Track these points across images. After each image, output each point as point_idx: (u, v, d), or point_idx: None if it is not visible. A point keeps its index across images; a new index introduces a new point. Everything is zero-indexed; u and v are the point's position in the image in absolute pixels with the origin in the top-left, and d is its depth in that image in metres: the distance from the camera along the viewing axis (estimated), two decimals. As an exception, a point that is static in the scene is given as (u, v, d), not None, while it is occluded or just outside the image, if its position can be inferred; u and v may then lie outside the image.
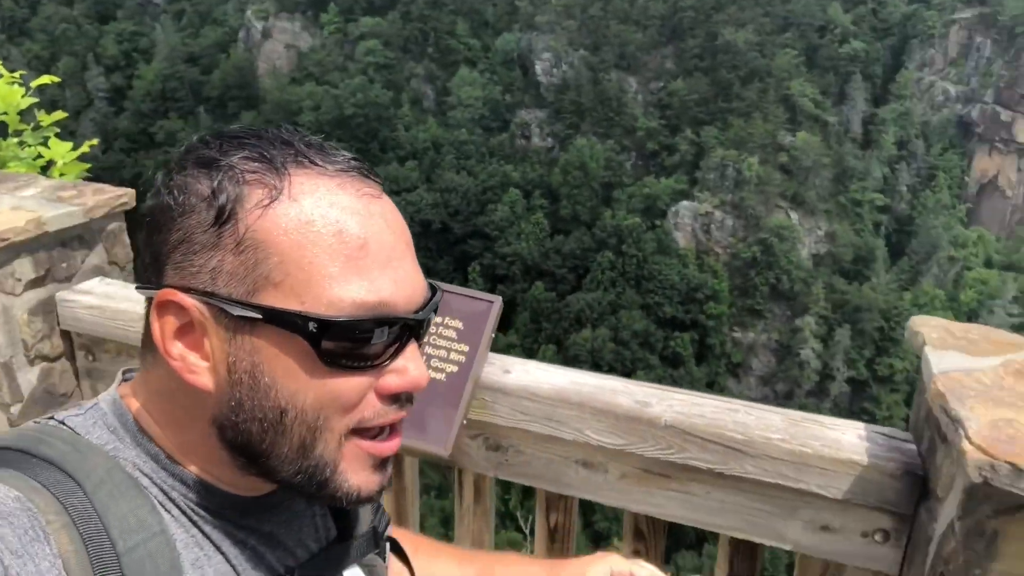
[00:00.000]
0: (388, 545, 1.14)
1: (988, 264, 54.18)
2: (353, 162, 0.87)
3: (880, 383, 51.36)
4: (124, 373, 0.96)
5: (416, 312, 0.85)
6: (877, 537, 1.68)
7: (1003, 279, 51.08)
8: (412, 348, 0.85)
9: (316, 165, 0.83)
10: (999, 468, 1.32)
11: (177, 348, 0.82)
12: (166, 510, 0.85)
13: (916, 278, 54.73)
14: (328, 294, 0.79)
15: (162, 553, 0.80)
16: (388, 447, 0.88)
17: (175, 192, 0.81)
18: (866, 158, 59.10)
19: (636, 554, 2.06)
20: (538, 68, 64.34)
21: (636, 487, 1.86)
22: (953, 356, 1.62)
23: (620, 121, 60.62)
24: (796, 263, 54.48)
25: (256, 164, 0.81)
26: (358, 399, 0.83)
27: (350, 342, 0.80)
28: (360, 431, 0.85)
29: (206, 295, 0.80)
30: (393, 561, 1.17)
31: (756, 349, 53.50)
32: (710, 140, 57.44)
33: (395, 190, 54.72)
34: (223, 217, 0.79)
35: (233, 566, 0.88)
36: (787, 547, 1.77)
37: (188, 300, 0.80)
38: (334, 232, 0.79)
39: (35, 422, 0.88)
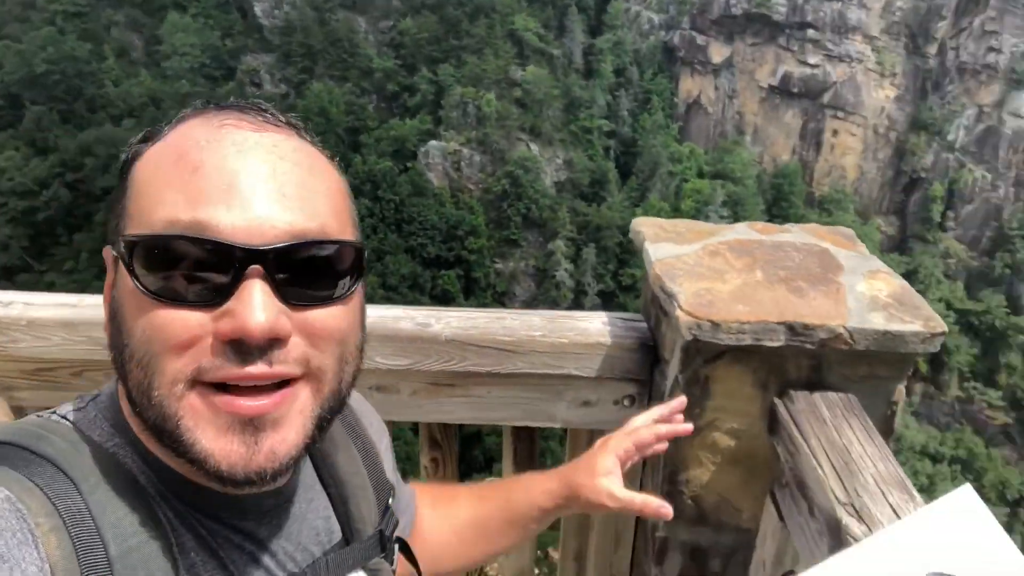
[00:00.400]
0: (397, 546, 1.11)
1: (700, 175, 61.18)
2: (250, 105, 0.85)
3: (625, 291, 56.61)
4: None
5: (260, 245, 0.75)
6: (625, 402, 2.04)
7: (713, 187, 58.06)
8: (252, 288, 0.75)
9: (205, 112, 0.82)
10: (703, 326, 1.70)
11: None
12: (164, 510, 0.82)
13: (644, 194, 60.40)
14: (151, 217, 0.76)
15: (156, 559, 0.78)
16: (243, 405, 0.76)
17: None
18: (590, 87, 63.36)
19: (434, 462, 2.30)
20: (257, 9, 60.37)
21: (426, 400, 2.06)
22: (665, 246, 2.00)
23: (355, 63, 59.17)
24: (542, 192, 57.62)
25: (166, 123, 0.84)
26: (187, 339, 0.75)
27: (161, 266, 0.74)
28: (213, 385, 0.76)
29: (112, 241, 0.82)
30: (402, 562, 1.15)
31: (517, 276, 56.30)
32: (447, 78, 58.11)
33: (113, 153, 49.23)
34: (125, 168, 0.83)
35: (230, 572, 0.86)
36: (558, 425, 2.09)
37: (107, 251, 0.84)
38: (174, 160, 0.77)
39: (38, 416, 0.86)
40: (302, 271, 0.78)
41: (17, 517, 0.71)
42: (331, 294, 0.82)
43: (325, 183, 0.84)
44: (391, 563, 1.08)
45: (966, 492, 1.13)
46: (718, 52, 61.41)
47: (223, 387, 0.75)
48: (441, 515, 1.37)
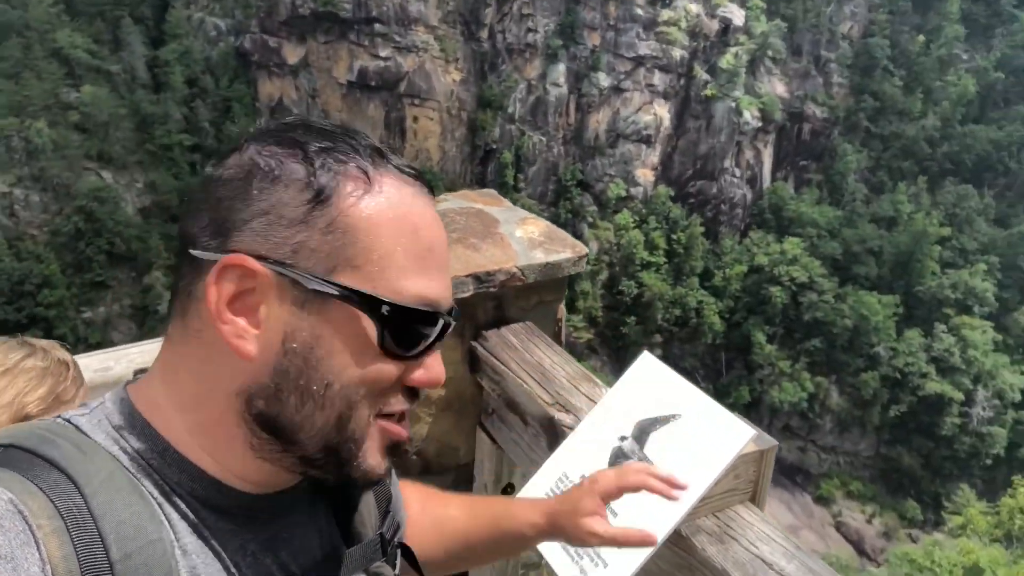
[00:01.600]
0: (400, 551, 1.12)
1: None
2: (417, 174, 0.96)
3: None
4: (136, 374, 0.97)
5: (452, 315, 0.94)
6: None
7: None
8: (438, 350, 0.94)
9: (394, 169, 0.92)
10: (404, 292, 1.91)
11: (228, 313, 0.84)
12: (168, 512, 0.84)
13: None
14: (396, 284, 0.87)
15: (158, 562, 0.80)
16: (403, 431, 0.95)
17: (265, 166, 0.86)
18: (162, 101, 58.60)
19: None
20: None
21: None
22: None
23: None
24: (126, 222, 52.16)
25: (349, 156, 0.88)
26: (391, 385, 0.90)
27: (406, 331, 0.88)
28: (382, 415, 0.91)
29: (281, 265, 0.83)
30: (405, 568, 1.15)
31: (112, 321, 50.41)
32: (-21, 110, 49.11)
33: None
34: (320, 198, 0.85)
35: (232, 574, 0.88)
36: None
37: (260, 267, 0.83)
38: (411, 231, 0.89)
39: (44, 420, 0.89)
40: None
41: (19, 519, 0.73)
42: None
43: None
44: (393, 568, 1.09)
45: (646, 357, 1.52)
46: (292, 53, 61.18)
47: (381, 418, 0.92)
48: (430, 520, 1.37)
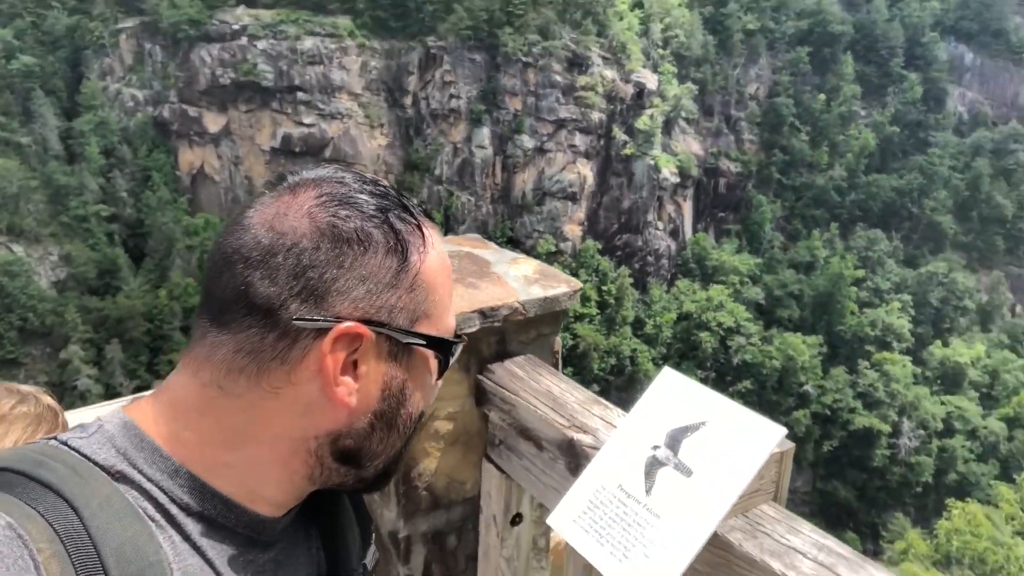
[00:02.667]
0: None
1: (223, 245, 59.56)
2: (431, 213, 1.05)
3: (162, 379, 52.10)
4: (132, 399, 0.99)
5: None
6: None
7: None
8: None
9: (424, 217, 1.01)
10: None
11: (341, 376, 0.91)
12: (170, 534, 0.85)
13: (164, 274, 56.56)
14: (446, 324, 1.01)
15: None
16: None
17: (353, 235, 0.91)
18: (76, 172, 57.05)
19: None
20: None
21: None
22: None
23: None
24: (39, 296, 50.00)
25: (404, 214, 0.97)
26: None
27: (451, 359, 1.03)
28: None
29: (380, 326, 0.92)
30: None
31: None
32: None
33: None
34: (404, 263, 0.94)
35: None
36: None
37: (368, 331, 0.90)
38: (448, 272, 1.02)
39: (38, 442, 0.89)
40: None
41: (19, 544, 0.73)
42: None
43: None
44: None
45: (667, 372, 1.62)
46: (214, 121, 60.69)
47: None
48: None
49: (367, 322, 0.90)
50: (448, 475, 2.21)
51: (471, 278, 2.21)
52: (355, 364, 0.91)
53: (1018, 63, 79.50)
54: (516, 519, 2.22)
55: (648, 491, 1.46)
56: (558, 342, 2.29)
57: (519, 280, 2.22)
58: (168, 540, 0.84)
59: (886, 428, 52.13)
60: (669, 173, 62.92)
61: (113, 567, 0.77)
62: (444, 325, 0.99)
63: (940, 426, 53.45)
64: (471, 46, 60.91)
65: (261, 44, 59.47)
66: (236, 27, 59.47)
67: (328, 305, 0.88)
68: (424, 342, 0.95)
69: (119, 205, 59.04)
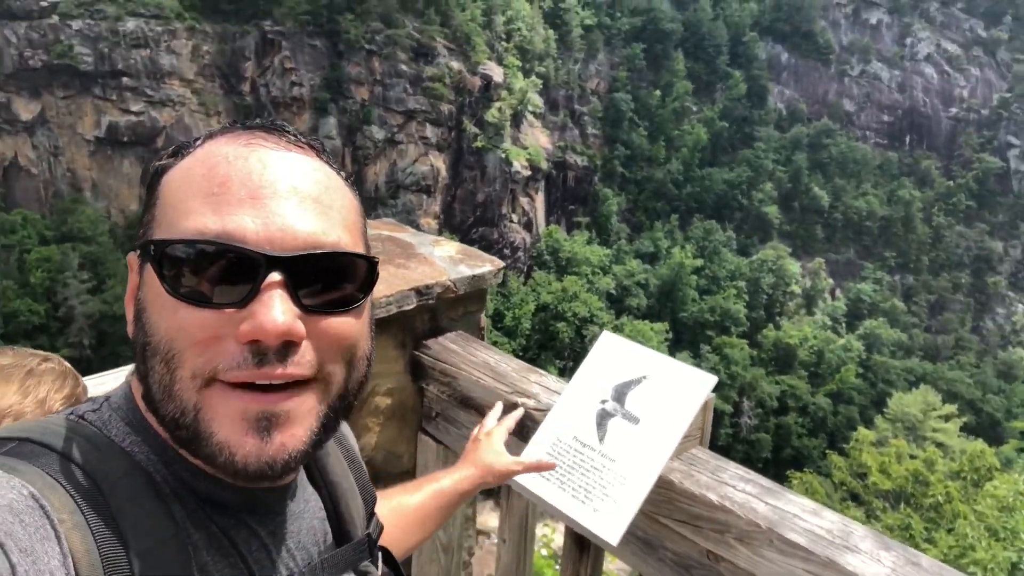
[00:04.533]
0: (381, 554, 1.15)
1: (44, 242, 54.64)
2: (283, 128, 0.91)
3: None
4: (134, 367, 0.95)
5: (283, 253, 0.81)
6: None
7: (64, 251, 52.55)
8: (272, 293, 0.80)
9: (232, 131, 0.90)
10: (361, 307, 2.04)
11: (130, 305, 0.89)
12: (176, 509, 0.85)
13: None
14: (180, 226, 0.82)
15: (174, 557, 0.80)
16: (263, 400, 0.81)
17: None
18: None
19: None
20: None
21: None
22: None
23: None
24: None
25: (195, 142, 0.91)
26: (208, 337, 0.80)
27: (188, 271, 0.80)
28: (233, 384, 0.81)
29: (135, 249, 0.88)
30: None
31: None
32: None
33: None
34: (153, 181, 0.90)
35: (241, 569, 0.88)
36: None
37: (132, 257, 0.89)
38: (202, 173, 0.85)
39: (59, 414, 0.89)
40: (318, 280, 0.84)
41: (41, 513, 0.73)
42: (344, 304, 0.87)
43: (341, 200, 0.91)
44: (377, 567, 1.12)
45: (607, 335, 1.80)
46: (26, 109, 55.21)
47: (238, 387, 0.80)
48: (389, 509, 1.44)
49: (133, 249, 0.88)
50: (386, 449, 2.30)
51: (400, 259, 2.30)
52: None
53: (826, 63, 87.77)
54: (451, 487, 2.34)
55: (601, 439, 1.64)
56: (484, 319, 2.43)
57: (445, 260, 2.34)
58: (176, 515, 0.84)
59: (728, 408, 55.95)
60: (520, 166, 64.24)
61: (132, 541, 0.78)
62: (176, 228, 0.82)
63: (776, 404, 57.98)
64: (311, 32, 59.17)
65: (76, 24, 54.71)
66: (44, 4, 54.39)
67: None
68: (138, 251, 0.86)
69: (-84, 202, 52.61)
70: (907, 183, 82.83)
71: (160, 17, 56.78)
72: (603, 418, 1.67)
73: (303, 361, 0.82)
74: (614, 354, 1.76)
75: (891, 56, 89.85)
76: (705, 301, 64.00)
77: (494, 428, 1.72)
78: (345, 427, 1.25)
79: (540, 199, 68.34)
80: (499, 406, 1.83)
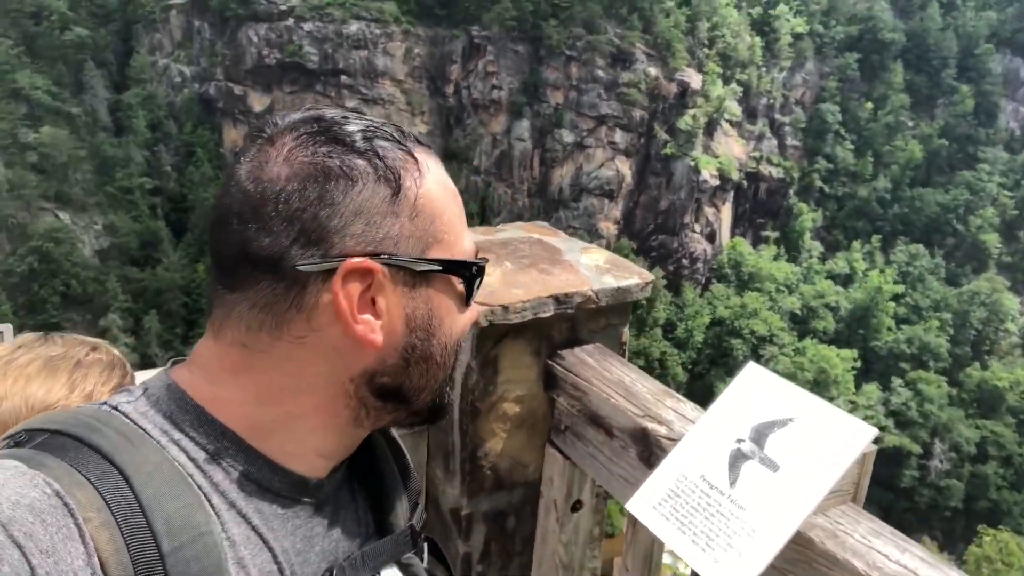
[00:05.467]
0: (427, 546, 1.13)
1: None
2: (427, 140, 1.01)
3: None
4: (172, 362, 0.98)
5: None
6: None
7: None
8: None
9: (418, 143, 0.97)
10: (495, 311, 1.98)
11: (359, 313, 0.89)
12: (216, 502, 0.84)
13: (203, 249, 57.44)
14: (463, 246, 0.97)
15: (208, 553, 0.80)
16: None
17: (337, 169, 0.87)
18: (123, 145, 58.18)
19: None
20: None
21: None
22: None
23: None
24: (82, 264, 51.10)
25: (392, 143, 0.92)
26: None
27: (476, 282, 0.99)
28: None
29: (390, 257, 0.89)
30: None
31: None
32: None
33: None
34: (396, 189, 0.90)
35: (279, 563, 0.88)
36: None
37: (376, 265, 0.88)
38: (453, 196, 0.98)
39: (91, 405, 0.89)
40: None
41: (64, 512, 0.73)
42: None
43: None
44: (422, 560, 1.09)
45: (752, 366, 1.62)
46: (258, 101, 61.39)
47: None
48: None
49: (373, 255, 0.87)
50: (512, 457, 2.23)
51: (544, 264, 2.22)
52: (373, 301, 0.89)
53: (1076, 80, 77.23)
54: (577, 505, 2.23)
55: (732, 483, 1.46)
56: (626, 333, 2.30)
57: (591, 269, 2.23)
58: (215, 508, 0.84)
59: (917, 449, 51.12)
60: (709, 175, 62.32)
61: (164, 537, 0.77)
62: (459, 248, 0.96)
63: (974, 450, 52.23)
64: (515, 37, 60.85)
65: (307, 26, 59.99)
66: (284, 7, 60.05)
67: (330, 245, 0.86)
68: (439, 267, 0.93)
69: (163, 179, 60.12)
70: None
71: (380, 20, 60.91)
72: (737, 459, 1.48)
73: None
74: (759, 389, 1.57)
75: None
76: (903, 331, 58.68)
77: None
78: None
79: (727, 210, 65.89)
80: None
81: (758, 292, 59.03)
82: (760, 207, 68.31)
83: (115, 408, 0.87)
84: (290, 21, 60.09)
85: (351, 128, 0.91)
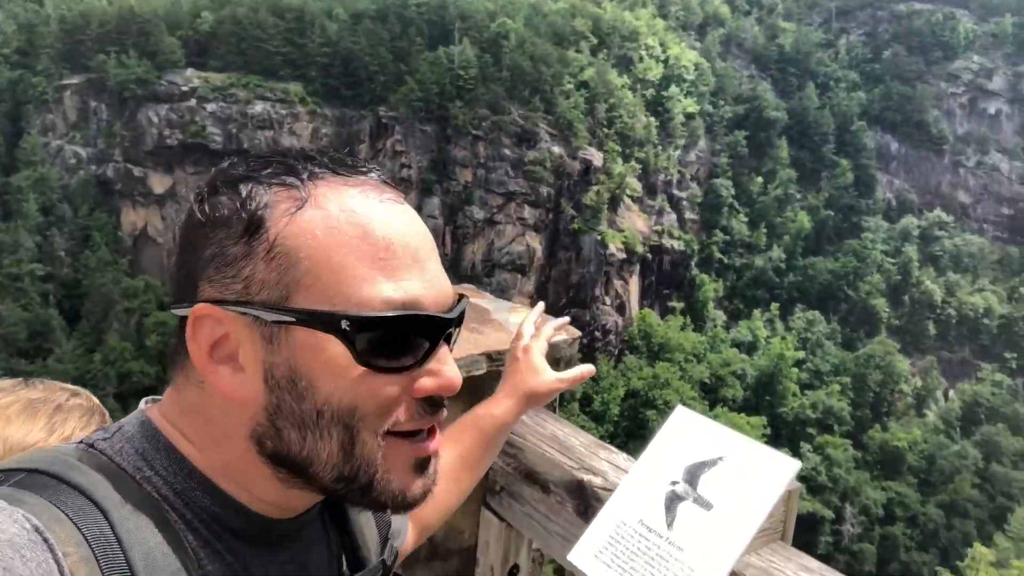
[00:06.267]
0: None
1: (161, 308, 58.13)
2: (373, 170, 0.91)
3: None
4: (146, 400, 0.97)
5: (446, 312, 0.87)
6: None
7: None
8: (444, 350, 0.88)
9: (338, 175, 0.87)
10: (427, 370, 2.00)
11: (213, 363, 0.84)
12: (190, 539, 0.84)
13: (100, 337, 54.69)
14: (358, 294, 0.81)
15: None
16: (428, 447, 0.89)
17: (206, 209, 0.85)
18: (12, 229, 55.46)
19: None
20: None
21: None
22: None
23: None
24: (-35, 356, 47.68)
25: (282, 176, 0.85)
26: (393, 401, 0.84)
27: (384, 341, 0.82)
28: (397, 433, 0.86)
29: (241, 304, 0.82)
30: None
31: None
32: None
33: None
34: (252, 227, 0.82)
35: None
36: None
37: (223, 312, 0.82)
38: (359, 235, 0.83)
39: (71, 445, 0.88)
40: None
41: (44, 548, 0.72)
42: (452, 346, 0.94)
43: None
44: None
45: (681, 410, 1.68)
46: (159, 182, 60.05)
47: (403, 436, 0.87)
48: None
49: (221, 302, 0.82)
50: (448, 523, 2.19)
51: (474, 323, 2.25)
52: (240, 353, 0.84)
53: (939, 153, 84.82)
54: (514, 570, 2.21)
55: (669, 525, 1.50)
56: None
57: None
58: (190, 545, 0.83)
59: (829, 514, 52.41)
60: (615, 248, 64.37)
61: (142, 572, 0.77)
62: (342, 297, 0.81)
63: (881, 512, 53.96)
64: (422, 117, 62.18)
65: (210, 107, 59.64)
66: (185, 88, 59.62)
67: (194, 291, 0.84)
68: (294, 319, 0.81)
69: (56, 264, 57.35)
70: (1031, 280, 77.63)
71: (285, 101, 61.16)
72: (672, 501, 1.53)
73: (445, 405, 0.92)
74: (688, 431, 1.63)
75: (1012, 147, 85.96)
76: (807, 396, 61.01)
77: (531, 343, 1.66)
78: None
79: (634, 282, 67.98)
80: (540, 306, 1.80)
81: (668, 362, 60.46)
82: (665, 278, 70.82)
83: (91, 446, 0.87)
84: (192, 102, 59.60)
85: (235, 171, 0.87)
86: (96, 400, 1.70)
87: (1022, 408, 66.57)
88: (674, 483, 1.55)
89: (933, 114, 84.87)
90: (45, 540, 0.72)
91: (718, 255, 73.78)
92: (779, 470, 1.49)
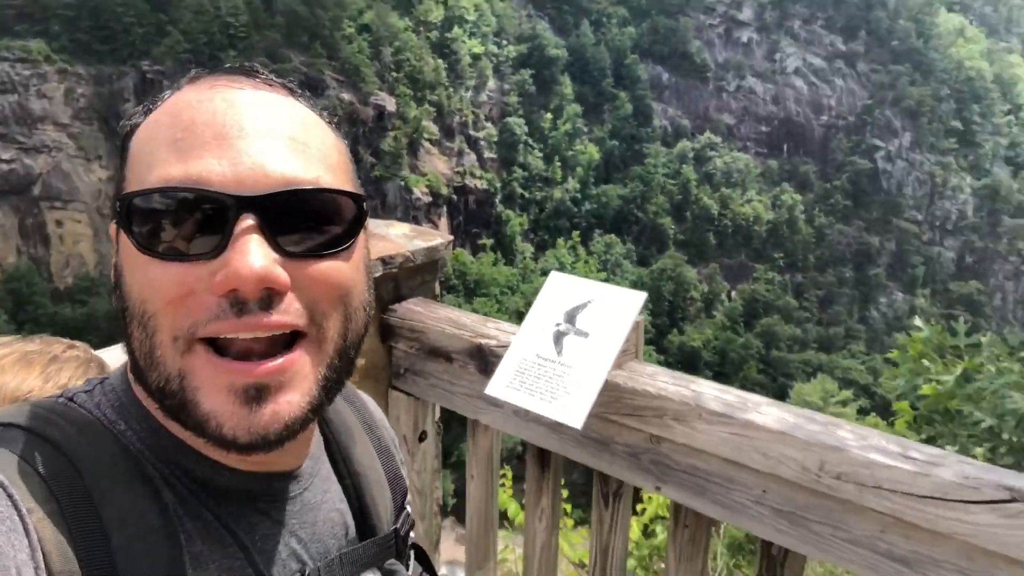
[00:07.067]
0: (413, 552, 1.09)
1: None
2: (253, 72, 0.85)
3: None
4: None
5: (251, 194, 0.73)
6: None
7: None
8: (246, 238, 0.72)
9: (199, 78, 0.83)
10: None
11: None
12: (167, 497, 0.79)
13: None
14: (147, 177, 0.75)
15: (162, 549, 0.75)
16: (251, 369, 0.74)
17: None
18: None
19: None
20: None
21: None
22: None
23: None
24: None
25: (160, 96, 0.84)
26: (183, 293, 0.73)
27: (153, 221, 0.74)
28: (218, 348, 0.74)
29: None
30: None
31: None
32: None
33: None
34: (122, 147, 0.84)
35: (241, 559, 0.82)
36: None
37: (112, 226, 0.81)
38: (168, 123, 0.78)
39: (50, 399, 0.84)
40: (299, 223, 0.76)
41: (7, 504, 0.68)
42: (331, 246, 0.79)
43: (320, 138, 0.83)
44: (407, 567, 1.06)
45: (555, 274, 2.17)
46: None
47: (225, 351, 0.74)
48: None
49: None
50: (362, 405, 2.58)
51: (362, 238, 2.61)
52: None
53: (704, 80, 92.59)
54: (422, 436, 2.65)
55: (559, 353, 2.01)
56: (437, 287, 2.76)
57: (400, 237, 2.66)
58: (168, 503, 0.78)
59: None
60: (421, 193, 64.66)
61: (115, 531, 0.72)
62: (145, 181, 0.75)
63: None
64: (192, 70, 57.94)
65: (-64, 71, 51.85)
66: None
67: None
68: (109, 211, 0.82)
69: None
70: (788, 188, 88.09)
71: (27, 60, 54.37)
72: (559, 336, 2.03)
73: (291, 309, 0.75)
74: (563, 288, 2.13)
75: (763, 71, 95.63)
76: (609, 313, 66.14)
77: None
78: (382, 417, 1.21)
79: (444, 224, 68.85)
80: None
81: (485, 297, 62.50)
82: (473, 217, 72.38)
83: (71, 400, 0.83)
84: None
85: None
86: (93, 352, 1.71)
87: (791, 300, 76.33)
88: (558, 324, 2.05)
89: (695, 44, 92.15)
90: (10, 496, 0.69)
91: (519, 191, 76.40)
92: (631, 302, 2.03)
